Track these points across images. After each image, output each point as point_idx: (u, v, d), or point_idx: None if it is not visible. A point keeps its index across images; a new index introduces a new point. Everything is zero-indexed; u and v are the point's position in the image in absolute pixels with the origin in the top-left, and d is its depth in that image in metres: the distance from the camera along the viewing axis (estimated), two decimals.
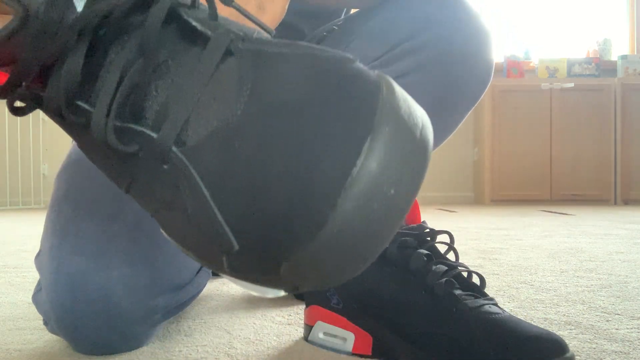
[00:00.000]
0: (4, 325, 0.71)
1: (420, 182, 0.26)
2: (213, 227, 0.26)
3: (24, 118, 3.70)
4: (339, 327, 0.59)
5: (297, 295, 0.83)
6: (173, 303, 0.61)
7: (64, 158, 0.66)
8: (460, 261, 0.60)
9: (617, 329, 0.67)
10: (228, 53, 0.28)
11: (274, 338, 0.64)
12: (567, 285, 0.95)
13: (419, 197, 0.31)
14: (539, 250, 1.42)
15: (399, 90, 0.26)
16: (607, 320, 0.71)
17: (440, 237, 0.60)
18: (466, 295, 0.56)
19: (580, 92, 3.63)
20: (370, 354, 0.58)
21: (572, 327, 0.68)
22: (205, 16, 0.30)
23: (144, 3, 0.30)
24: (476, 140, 3.87)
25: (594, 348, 0.60)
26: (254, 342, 0.63)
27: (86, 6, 0.29)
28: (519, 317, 0.62)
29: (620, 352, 0.58)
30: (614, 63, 3.92)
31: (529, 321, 0.68)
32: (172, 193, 0.28)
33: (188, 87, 0.28)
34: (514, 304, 0.81)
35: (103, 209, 0.57)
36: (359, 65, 0.27)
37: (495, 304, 0.56)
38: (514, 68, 3.83)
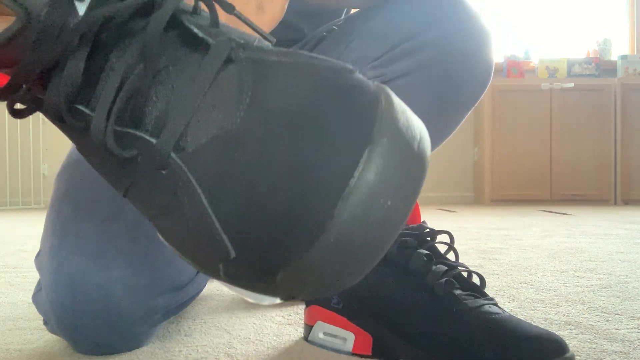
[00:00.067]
0: (4, 325, 0.71)
1: (417, 194, 0.26)
2: (210, 233, 0.27)
3: (24, 118, 3.69)
4: (339, 327, 0.59)
5: None
6: (173, 303, 0.61)
7: (64, 158, 0.66)
8: (460, 261, 0.60)
9: (617, 329, 0.67)
10: (228, 61, 0.29)
11: (274, 338, 0.64)
12: (567, 285, 0.95)
13: (419, 197, 0.31)
14: (539, 250, 1.42)
15: (398, 102, 0.26)
16: (607, 320, 0.71)
17: (440, 237, 0.60)
18: (466, 295, 0.56)
19: (580, 92, 3.63)
20: (370, 354, 0.58)
21: (572, 327, 0.68)
22: (207, 23, 0.30)
23: (145, 9, 0.30)
24: (476, 140, 3.87)
25: (594, 348, 0.60)
26: (254, 342, 0.63)
27: (88, 11, 0.29)
28: (519, 317, 0.62)
29: (620, 352, 0.58)
30: (614, 63, 3.92)
31: (529, 321, 0.68)
32: (170, 199, 0.28)
33: (188, 94, 0.28)
34: (514, 304, 0.81)
35: (103, 209, 0.57)
36: (359, 76, 0.27)
37: (495, 304, 0.56)
38: (514, 68, 3.83)
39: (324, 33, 0.68)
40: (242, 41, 0.29)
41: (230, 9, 0.31)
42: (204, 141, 0.27)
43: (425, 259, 0.57)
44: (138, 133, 0.29)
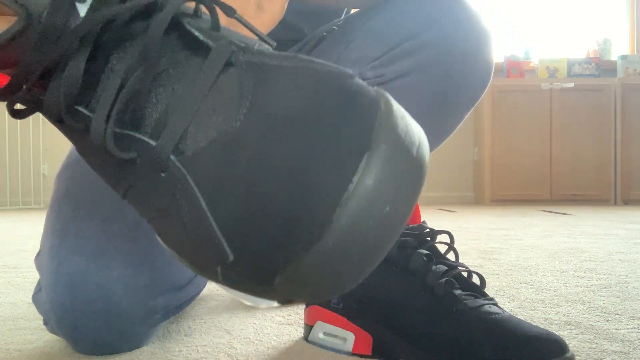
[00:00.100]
0: (4, 325, 0.71)
1: (415, 200, 0.26)
2: (208, 236, 0.27)
3: (24, 118, 3.69)
4: (339, 327, 0.59)
5: None
6: (173, 303, 0.61)
7: (64, 158, 0.66)
8: (460, 261, 0.60)
9: (617, 329, 0.67)
10: (229, 64, 0.29)
11: (274, 338, 0.64)
12: (567, 285, 0.95)
13: (419, 197, 0.31)
14: (539, 250, 1.42)
15: (397, 108, 0.26)
16: (607, 320, 0.71)
17: (440, 237, 0.60)
18: (466, 295, 0.56)
19: (580, 92, 3.63)
20: (370, 354, 0.58)
21: (572, 327, 0.68)
22: (208, 26, 0.30)
23: (146, 11, 0.30)
24: (476, 140, 3.87)
25: (594, 348, 0.60)
26: (254, 342, 0.63)
27: (89, 12, 0.29)
28: (519, 317, 0.62)
29: (620, 352, 0.58)
30: (614, 63, 3.92)
31: (529, 321, 0.68)
32: (168, 201, 0.28)
33: (188, 97, 0.28)
34: (514, 304, 0.81)
35: (103, 209, 0.57)
36: (359, 81, 0.27)
37: (495, 304, 0.56)
38: (514, 68, 3.83)
39: (324, 33, 0.68)
40: (242, 45, 0.29)
41: (231, 12, 0.31)
42: (203, 144, 0.27)
43: (425, 259, 0.57)
44: (137, 135, 0.29)
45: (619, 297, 0.85)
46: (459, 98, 0.62)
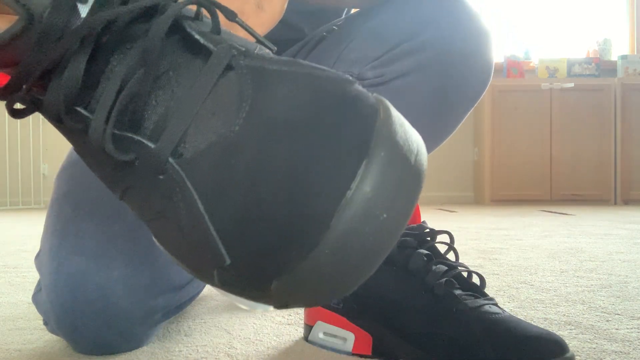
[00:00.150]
0: (4, 325, 0.71)
1: (413, 208, 0.27)
2: (205, 240, 0.27)
3: (24, 118, 3.69)
4: (339, 327, 0.59)
5: None
6: (173, 303, 0.61)
7: (64, 158, 0.66)
8: (460, 261, 0.60)
9: (617, 329, 0.67)
10: (229, 68, 0.29)
11: (274, 338, 0.64)
12: (567, 285, 0.95)
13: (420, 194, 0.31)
14: (539, 250, 1.42)
15: (396, 115, 0.26)
16: (607, 320, 0.71)
17: (440, 237, 0.60)
18: (466, 295, 0.56)
19: (580, 92, 3.63)
20: (370, 354, 0.58)
21: (572, 327, 0.68)
22: (209, 29, 0.30)
23: (148, 13, 0.30)
24: (476, 140, 3.87)
25: (594, 348, 0.60)
26: (254, 342, 0.63)
27: (90, 13, 0.29)
28: (519, 317, 0.62)
29: (620, 352, 0.58)
30: (614, 63, 3.92)
31: (529, 321, 0.68)
32: (166, 204, 0.28)
33: (188, 100, 0.28)
34: (514, 304, 0.81)
35: (103, 209, 0.57)
36: (358, 87, 0.27)
37: (495, 304, 0.56)
38: (514, 68, 3.83)
39: (324, 33, 0.68)
40: (243, 49, 0.29)
41: (232, 16, 0.31)
42: (202, 147, 0.27)
43: (425, 259, 0.57)
44: (136, 137, 0.29)
45: (619, 297, 0.85)
46: (459, 98, 0.62)
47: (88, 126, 0.29)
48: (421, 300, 0.55)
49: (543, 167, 3.61)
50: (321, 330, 0.61)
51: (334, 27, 0.67)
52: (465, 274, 0.59)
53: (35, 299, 0.62)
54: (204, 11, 0.32)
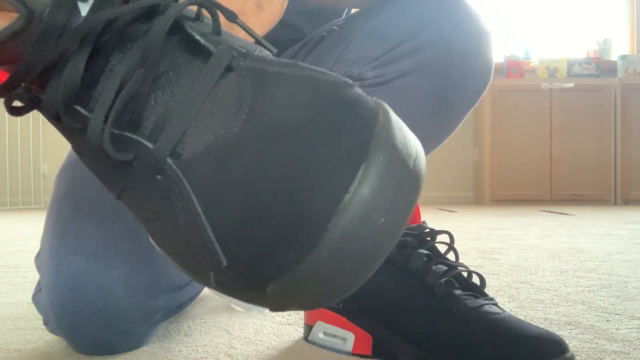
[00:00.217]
0: (4, 325, 0.71)
1: (411, 212, 0.26)
2: (202, 241, 0.27)
3: (24, 118, 3.70)
4: (339, 327, 0.59)
5: None
6: (173, 303, 0.61)
7: (64, 158, 0.66)
8: (460, 261, 0.60)
9: (617, 329, 0.67)
10: (229, 69, 0.29)
11: (274, 338, 0.64)
12: (567, 285, 0.95)
13: (419, 198, 0.31)
14: (539, 250, 1.42)
15: (395, 119, 0.26)
16: (607, 320, 0.71)
17: (440, 237, 0.60)
18: (466, 295, 0.56)
19: (580, 92, 3.63)
20: (370, 354, 0.58)
21: (572, 327, 0.68)
22: (209, 30, 0.30)
23: (148, 13, 0.30)
24: (476, 140, 3.87)
25: (594, 348, 0.60)
26: (254, 342, 0.63)
27: (90, 12, 0.28)
28: (519, 317, 0.62)
29: (620, 352, 0.58)
30: (614, 63, 3.92)
31: (529, 321, 0.68)
32: (163, 204, 0.28)
33: (187, 100, 0.28)
34: (514, 304, 0.81)
35: (103, 209, 0.57)
36: (358, 90, 0.27)
37: (495, 304, 0.56)
38: (514, 68, 3.83)
39: (324, 33, 0.68)
40: (243, 50, 0.29)
41: (232, 17, 0.31)
42: (201, 148, 0.27)
43: (425, 259, 0.57)
44: (135, 137, 0.29)
45: (619, 297, 0.85)
46: (459, 98, 0.61)
47: (87, 125, 0.29)
48: (421, 300, 0.55)
49: (543, 167, 3.61)
50: (321, 330, 0.61)
51: (334, 27, 0.67)
52: (465, 274, 0.59)
53: (35, 299, 0.62)
54: (205, 12, 0.31)
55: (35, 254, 0.63)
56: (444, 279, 0.56)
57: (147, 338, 0.61)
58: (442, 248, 0.61)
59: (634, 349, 0.59)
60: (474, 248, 1.47)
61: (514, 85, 3.68)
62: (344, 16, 0.74)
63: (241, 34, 0.42)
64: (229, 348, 0.60)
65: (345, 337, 0.59)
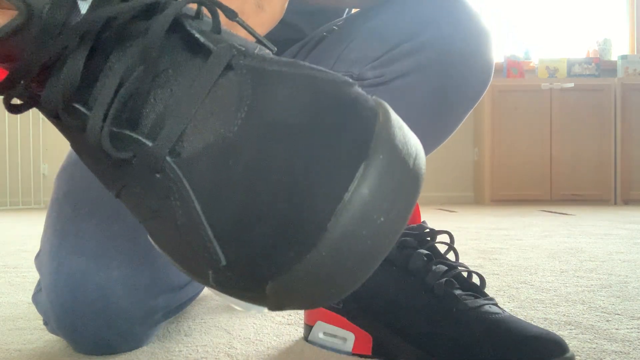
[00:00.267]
0: (4, 325, 0.71)
1: (410, 212, 0.26)
2: (201, 240, 0.26)
3: (24, 118, 3.70)
4: (339, 327, 0.59)
5: None
6: (173, 303, 0.61)
7: (64, 158, 0.66)
8: (460, 261, 0.60)
9: (617, 329, 0.67)
10: (229, 68, 0.28)
11: (274, 338, 0.64)
12: (567, 285, 0.95)
13: (419, 197, 0.31)
14: (539, 250, 1.42)
15: (395, 118, 0.26)
16: (607, 320, 0.71)
17: (440, 237, 0.60)
18: (466, 295, 0.56)
19: (580, 92, 3.63)
20: (370, 354, 0.58)
21: (572, 327, 0.68)
22: (209, 29, 0.30)
23: (148, 11, 0.29)
24: (476, 140, 3.87)
25: (594, 348, 0.60)
26: (254, 342, 0.63)
27: (90, 10, 0.28)
28: (519, 317, 0.62)
29: (620, 352, 0.58)
30: (614, 63, 3.92)
31: (529, 321, 0.68)
32: (162, 203, 0.28)
33: (186, 99, 0.28)
34: (514, 304, 0.81)
35: (103, 209, 0.57)
36: (358, 89, 0.27)
37: (495, 304, 0.56)
38: (514, 68, 3.83)
39: (324, 33, 0.68)
40: (243, 49, 0.29)
41: (232, 16, 0.31)
42: (200, 147, 0.27)
43: (425, 259, 0.57)
44: (134, 135, 0.29)
45: (619, 297, 0.85)
46: (459, 98, 0.61)
47: (86, 123, 0.29)
48: (421, 300, 0.55)
49: (543, 167, 3.61)
50: (321, 330, 0.61)
51: (334, 27, 0.67)
52: (465, 274, 0.59)
53: (35, 299, 0.62)
54: (205, 10, 0.31)
55: (35, 254, 0.63)
56: (444, 279, 0.56)
57: (147, 338, 0.61)
58: (442, 248, 0.61)
59: (634, 349, 0.59)
60: (474, 248, 1.47)
61: (514, 85, 3.68)
62: (344, 16, 0.74)
63: (241, 33, 0.42)
64: (229, 348, 0.60)
65: (345, 337, 0.59)
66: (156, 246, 0.30)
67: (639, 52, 4.07)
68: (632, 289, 0.91)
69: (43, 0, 0.28)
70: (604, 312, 0.75)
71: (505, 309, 0.66)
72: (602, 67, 3.89)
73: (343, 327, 0.59)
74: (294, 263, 0.24)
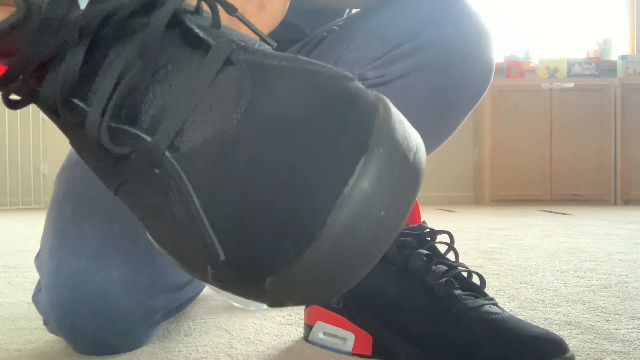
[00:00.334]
0: (4, 325, 0.71)
1: (410, 206, 0.26)
2: (200, 235, 0.26)
3: (24, 117, 3.70)
4: (339, 327, 0.59)
5: None
6: (173, 303, 0.61)
7: (64, 158, 0.66)
8: (460, 261, 0.60)
9: (617, 329, 0.67)
10: (228, 63, 0.28)
11: (274, 338, 0.64)
12: (567, 285, 0.95)
13: (419, 197, 0.31)
14: (539, 250, 1.42)
15: (396, 113, 0.26)
16: (607, 320, 0.71)
17: (440, 237, 0.60)
18: (466, 295, 0.56)
19: (580, 92, 3.63)
20: (370, 354, 0.58)
21: (572, 327, 0.68)
22: (208, 24, 0.30)
23: (147, 6, 0.29)
24: (476, 140, 3.87)
25: (594, 348, 0.60)
26: (254, 342, 0.63)
27: (89, 5, 0.28)
28: (519, 317, 0.62)
29: (620, 352, 0.58)
30: (614, 63, 3.92)
31: (529, 321, 0.68)
32: (161, 199, 0.28)
33: (186, 94, 0.28)
34: (514, 304, 0.81)
35: (103, 209, 0.57)
36: (358, 84, 0.27)
37: (495, 304, 0.56)
38: (514, 68, 3.83)
39: (324, 33, 0.68)
40: (242, 43, 0.29)
41: (232, 11, 0.31)
42: (199, 142, 0.27)
43: (425, 259, 0.57)
44: (133, 130, 0.28)
45: (619, 297, 0.85)
46: (460, 98, 0.61)
47: (84, 119, 0.29)
48: (421, 300, 0.55)
49: (543, 167, 3.61)
50: (321, 330, 0.61)
51: (335, 27, 0.67)
52: (465, 274, 0.59)
53: (35, 299, 0.62)
54: (204, 5, 0.31)
55: (35, 254, 0.63)
56: (444, 279, 0.56)
57: (147, 338, 0.61)
58: (442, 248, 0.61)
59: (634, 349, 0.59)
60: (474, 248, 1.47)
61: (514, 85, 3.68)
62: (344, 16, 0.74)
63: (242, 29, 0.42)
64: (229, 348, 0.60)
65: (345, 337, 0.59)
66: (155, 244, 0.30)
67: (639, 52, 4.07)
68: (632, 289, 0.91)
69: None
70: (604, 312, 0.75)
71: (505, 309, 0.66)
72: (602, 67, 3.89)
73: (343, 327, 0.59)
74: (293, 258, 0.24)
